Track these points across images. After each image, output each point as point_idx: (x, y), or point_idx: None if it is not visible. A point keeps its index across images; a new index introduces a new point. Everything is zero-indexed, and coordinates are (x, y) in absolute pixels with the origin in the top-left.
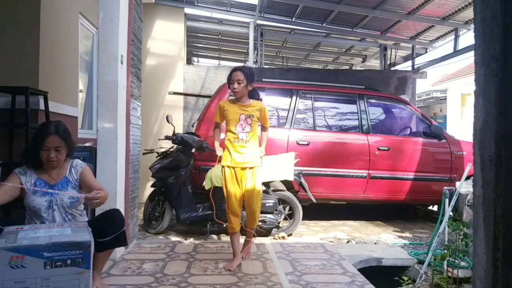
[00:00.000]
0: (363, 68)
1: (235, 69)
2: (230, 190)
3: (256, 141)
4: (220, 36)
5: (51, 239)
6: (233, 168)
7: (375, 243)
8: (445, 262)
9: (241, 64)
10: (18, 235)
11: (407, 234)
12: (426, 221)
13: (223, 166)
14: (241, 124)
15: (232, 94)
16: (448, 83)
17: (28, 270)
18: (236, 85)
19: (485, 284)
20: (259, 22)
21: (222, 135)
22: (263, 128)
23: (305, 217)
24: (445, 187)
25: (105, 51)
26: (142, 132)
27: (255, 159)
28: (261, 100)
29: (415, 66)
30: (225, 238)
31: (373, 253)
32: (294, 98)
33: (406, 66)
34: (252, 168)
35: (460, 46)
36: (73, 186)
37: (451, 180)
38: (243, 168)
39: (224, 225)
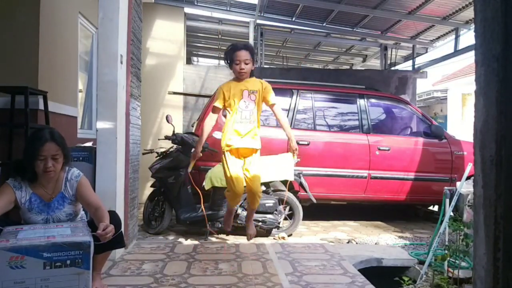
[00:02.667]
0: (363, 68)
1: (239, 47)
2: (234, 172)
3: (258, 124)
4: (220, 36)
5: (51, 239)
6: (237, 149)
7: (376, 244)
8: (446, 263)
9: None
10: (17, 235)
11: (407, 235)
12: (427, 221)
13: (224, 151)
14: (245, 101)
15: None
16: (449, 83)
17: (28, 270)
18: (243, 65)
19: (485, 284)
20: (259, 21)
21: (217, 134)
22: (272, 106)
23: (305, 218)
24: (446, 187)
25: (104, 50)
26: (142, 132)
27: (260, 141)
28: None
29: (416, 66)
30: (225, 238)
31: (373, 254)
32: (294, 98)
33: (406, 66)
34: (258, 150)
35: (461, 45)
36: (70, 202)
37: (452, 180)
38: (249, 150)
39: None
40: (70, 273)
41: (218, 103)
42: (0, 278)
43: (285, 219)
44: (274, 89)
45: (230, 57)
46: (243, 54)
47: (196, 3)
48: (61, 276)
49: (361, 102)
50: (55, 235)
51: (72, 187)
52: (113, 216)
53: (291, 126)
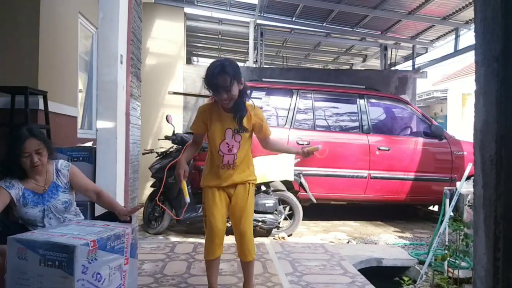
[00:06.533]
0: (363, 68)
1: (215, 70)
2: (211, 211)
3: (249, 161)
4: (220, 36)
5: (50, 237)
6: (217, 187)
7: (376, 244)
8: (446, 263)
9: (241, 64)
10: (51, 229)
11: (407, 235)
12: (427, 221)
13: (203, 187)
14: (227, 144)
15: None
16: (449, 83)
17: (29, 263)
18: (225, 95)
19: (485, 284)
20: (259, 21)
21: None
22: (265, 137)
23: (305, 217)
24: (446, 187)
25: (104, 50)
26: (142, 132)
27: (248, 174)
28: (251, 102)
29: (416, 66)
30: (225, 238)
31: (373, 254)
32: (294, 98)
33: (406, 66)
34: (244, 183)
35: (461, 45)
36: (64, 190)
37: (452, 180)
38: (232, 185)
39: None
40: (57, 275)
41: (194, 127)
42: (10, 266)
43: (285, 219)
44: (274, 89)
45: (208, 83)
46: (221, 79)
47: (196, 3)
48: (52, 275)
49: (361, 102)
50: (63, 233)
51: (64, 176)
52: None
53: (291, 126)
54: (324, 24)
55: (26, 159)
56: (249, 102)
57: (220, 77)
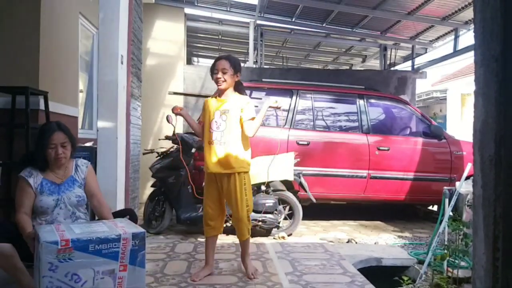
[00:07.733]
0: (363, 68)
1: (218, 58)
2: (208, 194)
3: (239, 143)
4: (220, 36)
5: (47, 230)
6: (213, 173)
7: (375, 243)
8: (445, 262)
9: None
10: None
11: (407, 234)
12: (426, 221)
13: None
14: (216, 122)
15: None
16: (448, 83)
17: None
18: (220, 75)
19: (485, 284)
20: (259, 22)
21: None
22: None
23: (305, 217)
24: (445, 187)
25: (105, 51)
26: (142, 132)
27: (239, 164)
28: (246, 94)
29: (415, 66)
30: (225, 238)
31: (373, 253)
32: (294, 98)
33: (406, 66)
34: (235, 174)
35: (460, 46)
36: (80, 185)
37: (451, 180)
38: (225, 174)
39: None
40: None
41: (202, 117)
42: None
43: (285, 218)
44: (274, 89)
45: (211, 69)
46: (221, 63)
47: (196, 4)
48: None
49: (361, 102)
50: (66, 228)
51: (82, 172)
52: (131, 214)
53: (291, 126)
54: (323, 25)
55: (52, 150)
56: (245, 96)
57: (221, 60)
